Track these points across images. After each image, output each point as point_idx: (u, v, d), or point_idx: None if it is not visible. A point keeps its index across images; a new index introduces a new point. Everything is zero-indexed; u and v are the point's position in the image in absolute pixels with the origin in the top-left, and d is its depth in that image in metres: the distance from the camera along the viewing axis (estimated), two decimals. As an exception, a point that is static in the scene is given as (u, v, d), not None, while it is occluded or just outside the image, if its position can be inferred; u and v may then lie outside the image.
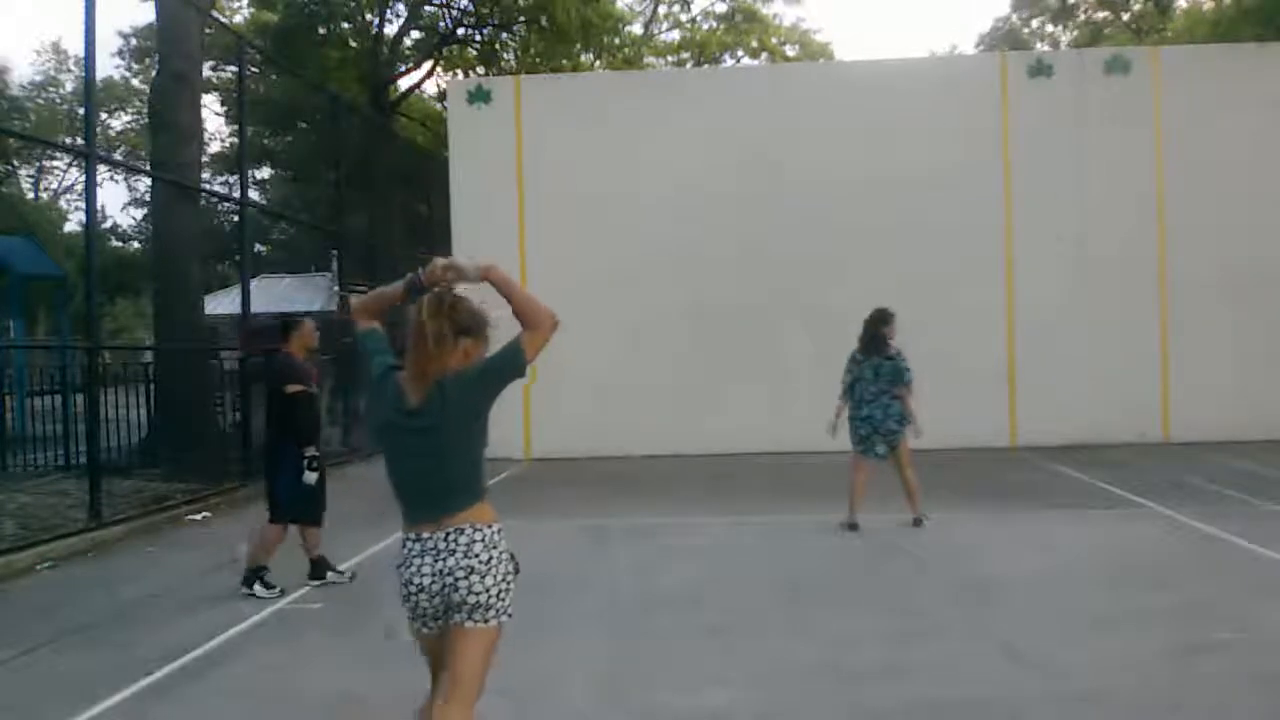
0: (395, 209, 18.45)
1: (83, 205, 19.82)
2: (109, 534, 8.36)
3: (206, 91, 20.58)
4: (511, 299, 2.95)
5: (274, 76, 22.34)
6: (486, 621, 2.91)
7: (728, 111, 13.51)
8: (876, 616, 5.64)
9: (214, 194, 24.06)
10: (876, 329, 7.98)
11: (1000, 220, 13.20)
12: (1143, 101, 13.13)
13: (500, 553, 2.95)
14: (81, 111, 27.17)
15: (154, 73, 16.31)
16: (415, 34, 24.45)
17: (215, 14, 16.75)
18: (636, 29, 28.42)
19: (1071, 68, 13.50)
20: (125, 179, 36.60)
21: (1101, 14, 30.14)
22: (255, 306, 12.42)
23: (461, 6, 23.46)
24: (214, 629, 5.61)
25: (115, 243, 35.42)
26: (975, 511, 8.80)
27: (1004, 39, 32.31)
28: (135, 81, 31.56)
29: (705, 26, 30.67)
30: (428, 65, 24.59)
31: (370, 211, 17.03)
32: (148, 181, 24.41)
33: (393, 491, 3.04)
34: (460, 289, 3.06)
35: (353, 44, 23.53)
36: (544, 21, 21.32)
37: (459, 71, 25.17)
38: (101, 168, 24.44)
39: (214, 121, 30.32)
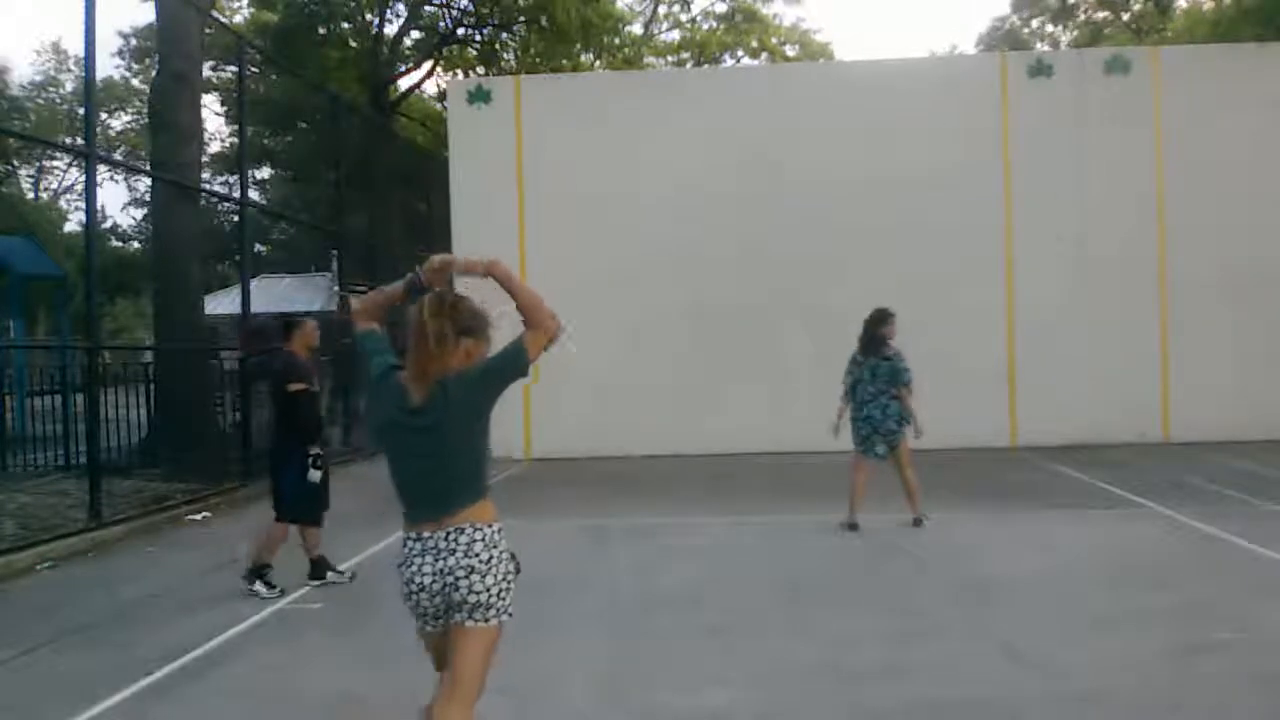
0: (395, 209, 18.46)
1: (83, 205, 19.85)
2: (109, 534, 8.36)
3: (206, 91, 20.58)
4: (516, 297, 2.96)
5: (274, 76, 22.35)
6: (487, 621, 2.92)
7: (728, 111, 13.51)
8: (876, 616, 5.64)
9: (214, 194, 24.06)
10: (875, 329, 7.98)
11: (1000, 220, 13.20)
12: (1143, 101, 13.13)
13: (501, 552, 2.96)
14: (81, 111, 27.19)
15: (154, 73, 16.31)
16: (415, 34, 24.46)
17: (215, 14, 16.75)
18: (636, 29, 28.43)
19: (1071, 68, 13.50)
20: (125, 179, 36.66)
21: (1101, 14, 30.14)
22: (255, 306, 12.43)
23: (461, 6, 23.47)
24: (214, 629, 5.61)
25: (115, 243, 35.44)
26: (975, 511, 8.80)
27: (1004, 39, 32.32)
28: (135, 81, 31.57)
29: (705, 26, 30.69)
30: (428, 65, 24.60)
31: (370, 211, 17.04)
32: (148, 181, 24.42)
33: (395, 491, 3.04)
34: (462, 287, 3.07)
35: (353, 44, 23.53)
36: (544, 21, 21.32)
37: (459, 71, 25.18)
38: (101, 168, 24.46)
39: (214, 121, 30.37)
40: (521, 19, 22.44)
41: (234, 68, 16.30)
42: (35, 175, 36.91)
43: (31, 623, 5.95)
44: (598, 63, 24.89)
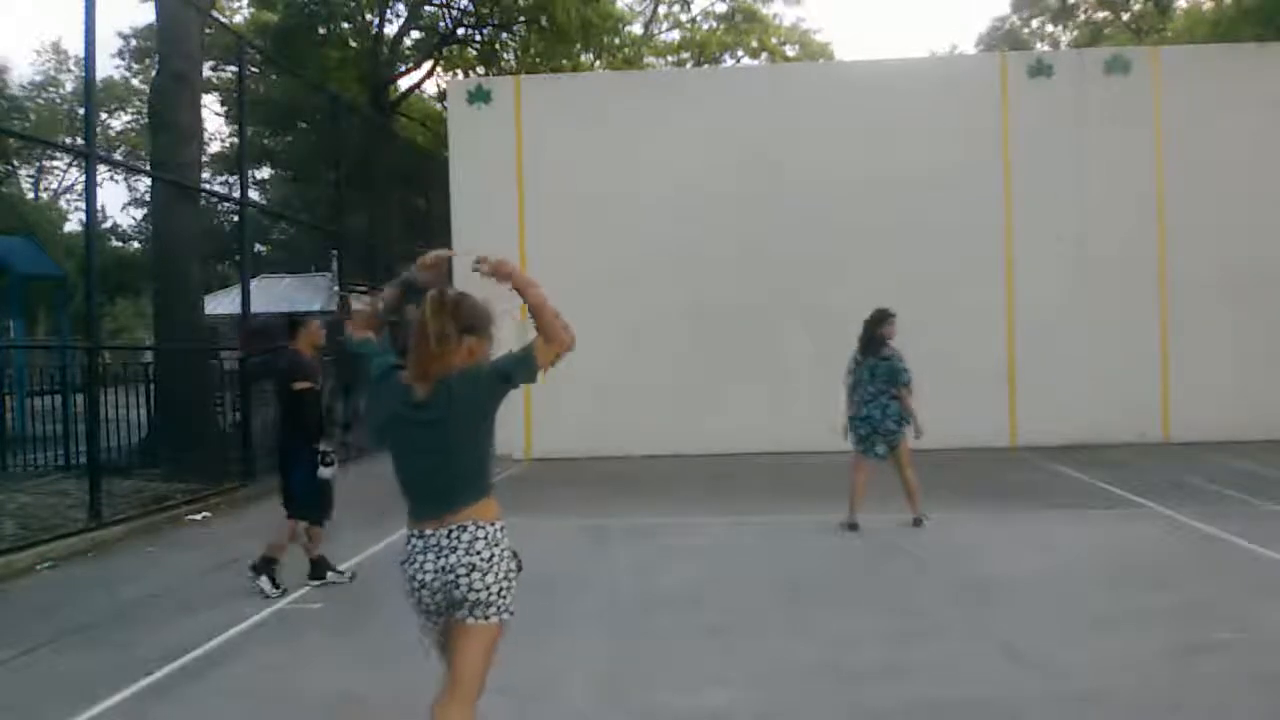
0: (395, 209, 18.46)
1: (83, 205, 19.82)
2: (109, 534, 8.36)
3: (206, 91, 20.59)
4: (536, 313, 2.96)
5: (274, 76, 22.36)
6: (487, 619, 2.93)
7: (728, 111, 13.51)
8: (876, 616, 5.64)
9: (214, 194, 24.06)
10: (875, 329, 7.98)
11: (1000, 220, 13.20)
12: (1143, 101, 13.12)
13: (502, 550, 2.96)
14: (81, 111, 27.20)
15: (154, 73, 16.30)
16: (415, 34, 24.48)
17: (215, 14, 16.75)
18: (636, 29, 28.45)
19: (1071, 68, 13.50)
20: (125, 179, 36.67)
21: (1101, 14, 30.15)
22: (255, 306, 12.43)
23: (461, 6, 23.48)
24: (214, 629, 5.61)
25: (115, 243, 35.44)
26: (975, 511, 8.80)
27: (1004, 39, 32.33)
28: (135, 81, 31.57)
29: (705, 26, 30.70)
30: (428, 65, 24.61)
31: (370, 211, 17.05)
32: (148, 181, 24.41)
33: (399, 487, 3.05)
34: (461, 286, 3.07)
35: (353, 44, 23.54)
36: (544, 21, 21.33)
37: (459, 71, 25.18)
38: (101, 168, 24.46)
39: (214, 121, 30.37)
40: (521, 19, 22.45)
41: (234, 68, 16.30)
42: (35, 175, 36.92)
43: (31, 623, 5.95)
44: (598, 63, 24.89)
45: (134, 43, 28.90)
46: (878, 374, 7.90)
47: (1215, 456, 11.34)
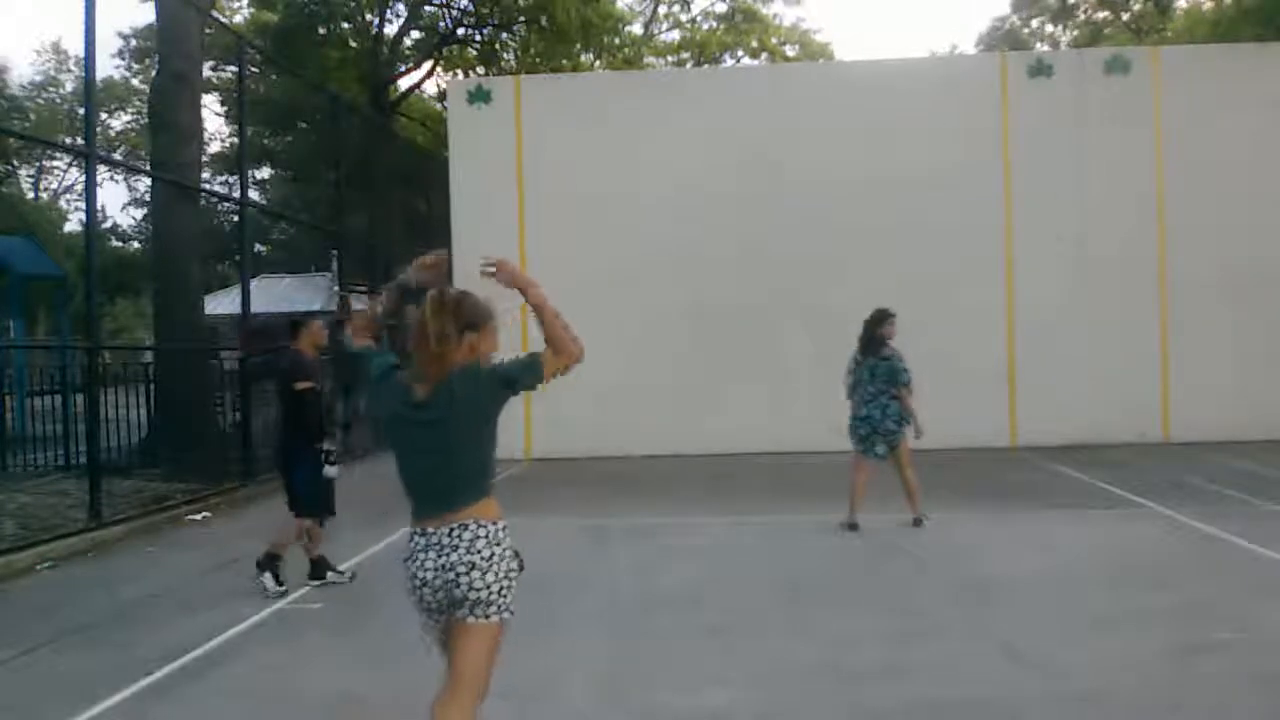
0: (395, 209, 18.46)
1: (83, 205, 19.80)
2: (109, 534, 8.36)
3: (206, 91, 20.59)
4: (545, 326, 2.98)
5: (274, 76, 22.36)
6: (488, 617, 2.94)
7: (728, 111, 13.50)
8: (876, 616, 5.64)
9: (214, 194, 24.07)
10: (874, 329, 7.98)
11: (1000, 220, 13.19)
12: (1143, 101, 13.12)
13: (503, 550, 2.97)
14: (81, 111, 27.20)
15: (154, 73, 16.31)
16: (415, 34, 24.47)
17: (215, 14, 16.75)
18: (636, 29, 28.45)
19: (1071, 68, 13.50)
20: (125, 179, 36.66)
21: (1101, 14, 30.15)
22: (255, 306, 12.43)
23: (461, 6, 23.48)
24: (214, 629, 5.61)
25: (115, 243, 35.45)
26: (975, 511, 8.80)
27: (1004, 39, 32.33)
28: (135, 81, 31.58)
29: (705, 26, 30.70)
30: (428, 65, 24.60)
31: (370, 211, 17.04)
32: (148, 181, 24.42)
33: (402, 486, 3.07)
34: (462, 284, 3.09)
35: (353, 44, 23.54)
36: (544, 21, 21.33)
37: (459, 71, 25.18)
38: (101, 168, 24.47)
39: (214, 121, 30.38)
40: (521, 19, 22.45)
41: (234, 68, 16.30)
42: (35, 175, 36.93)
43: (31, 623, 5.95)
44: (598, 63, 24.89)
45: (134, 43, 28.91)
46: (877, 374, 7.89)
47: (1215, 456, 11.34)
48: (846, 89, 13.71)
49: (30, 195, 35.40)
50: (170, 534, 8.82)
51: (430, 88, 26.20)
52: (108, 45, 34.55)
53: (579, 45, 22.72)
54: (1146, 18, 28.20)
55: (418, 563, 2.97)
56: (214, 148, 28.08)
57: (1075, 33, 31.07)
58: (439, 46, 24.06)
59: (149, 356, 12.72)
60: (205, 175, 21.18)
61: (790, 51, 30.73)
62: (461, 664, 2.95)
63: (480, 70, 24.15)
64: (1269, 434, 12.33)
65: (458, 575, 2.91)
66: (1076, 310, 12.94)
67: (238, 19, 25.04)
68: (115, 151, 33.35)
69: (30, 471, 11.51)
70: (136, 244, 35.95)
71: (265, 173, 29.59)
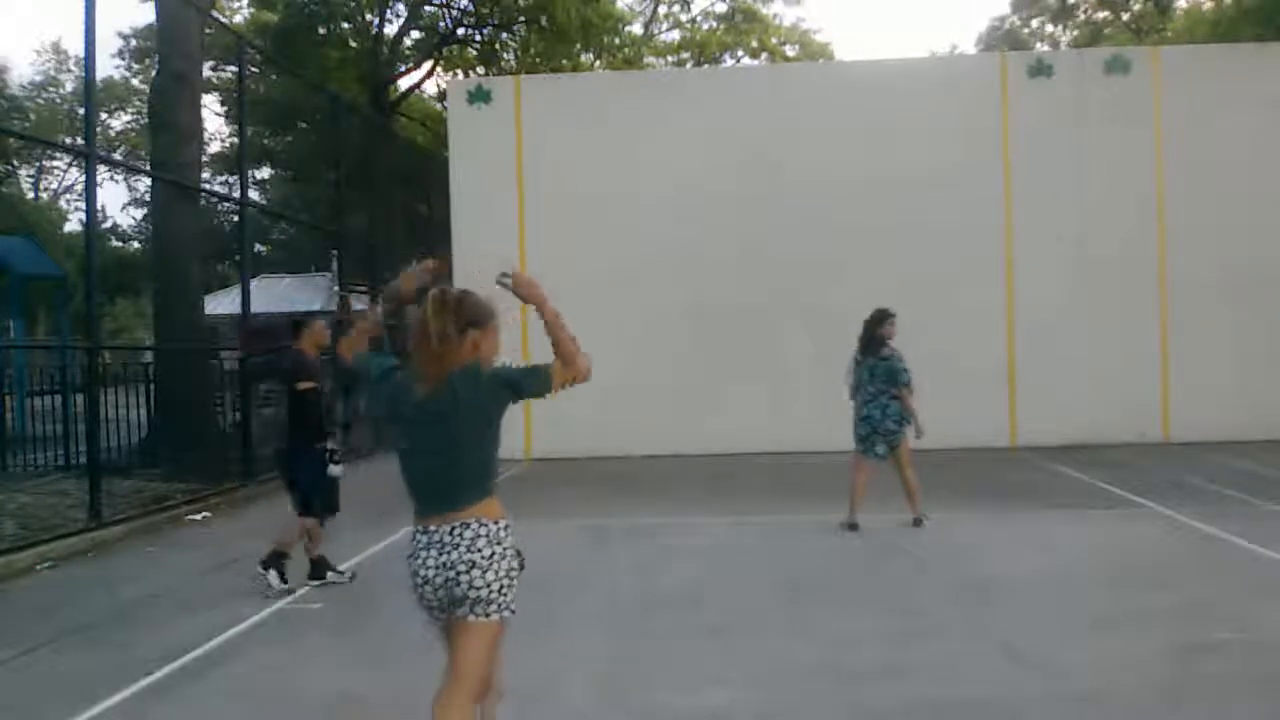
0: (395, 209, 18.46)
1: (83, 205, 19.81)
2: (109, 534, 8.36)
3: (206, 91, 20.59)
4: (556, 341, 3.00)
5: (274, 76, 22.35)
6: (488, 616, 2.95)
7: (728, 111, 13.50)
8: (876, 616, 5.64)
9: (214, 194, 24.07)
10: (874, 329, 7.98)
11: (1000, 220, 13.19)
12: (1143, 101, 13.12)
13: (504, 549, 2.98)
14: (81, 111, 27.21)
15: (154, 73, 16.31)
16: (415, 34, 24.48)
17: (215, 14, 16.76)
18: (636, 29, 28.45)
19: (1071, 68, 13.50)
20: (125, 179, 36.67)
21: (1101, 14, 30.15)
22: (255, 306, 12.43)
23: (461, 6, 23.48)
24: (214, 629, 5.61)
25: (115, 243, 35.45)
26: (975, 511, 8.80)
27: (1003, 39, 32.34)
28: (135, 81, 31.58)
29: (705, 26, 30.71)
30: (428, 65, 24.61)
31: (370, 211, 17.04)
32: (148, 181, 24.42)
33: (404, 485, 3.08)
34: (462, 283, 3.10)
35: (353, 44, 23.54)
36: (544, 21, 21.33)
37: (459, 71, 25.18)
38: (101, 168, 24.47)
39: (214, 121, 30.37)
40: (521, 19, 22.45)
41: (234, 68, 16.30)
42: (35, 175, 36.94)
43: (31, 623, 5.95)
44: (598, 63, 24.89)
45: (134, 43, 28.92)
46: (877, 374, 7.90)
47: (1215, 456, 11.34)
48: (846, 89, 13.71)
49: (30, 195, 35.41)
50: (170, 534, 8.82)
51: (430, 88, 26.24)
52: (108, 45, 34.59)
53: (579, 45, 22.73)
54: (1146, 18, 28.21)
55: (419, 561, 2.99)
56: (214, 148, 28.12)
57: (1075, 33, 31.08)
58: (439, 46, 24.06)
59: (149, 356, 12.73)
60: (205, 175, 21.18)
61: (790, 51, 30.73)
62: (461, 661, 2.96)
63: (480, 70, 24.15)
64: (1269, 434, 12.33)
65: (458, 573, 2.92)
66: (1076, 310, 12.94)
67: (238, 19, 25.04)
68: (115, 151, 33.36)
69: (30, 471, 11.52)
70: (136, 244, 35.96)
71: (265, 173, 29.63)
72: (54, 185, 38.74)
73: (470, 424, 2.99)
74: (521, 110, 13.73)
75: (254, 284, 14.49)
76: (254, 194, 24.86)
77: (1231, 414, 12.55)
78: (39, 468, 11.64)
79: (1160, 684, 4.46)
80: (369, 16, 23.38)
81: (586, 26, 21.34)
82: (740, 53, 30.08)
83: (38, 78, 35.52)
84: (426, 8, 23.56)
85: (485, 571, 2.92)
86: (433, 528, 2.99)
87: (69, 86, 35.31)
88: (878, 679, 4.61)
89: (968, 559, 7.02)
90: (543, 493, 10.48)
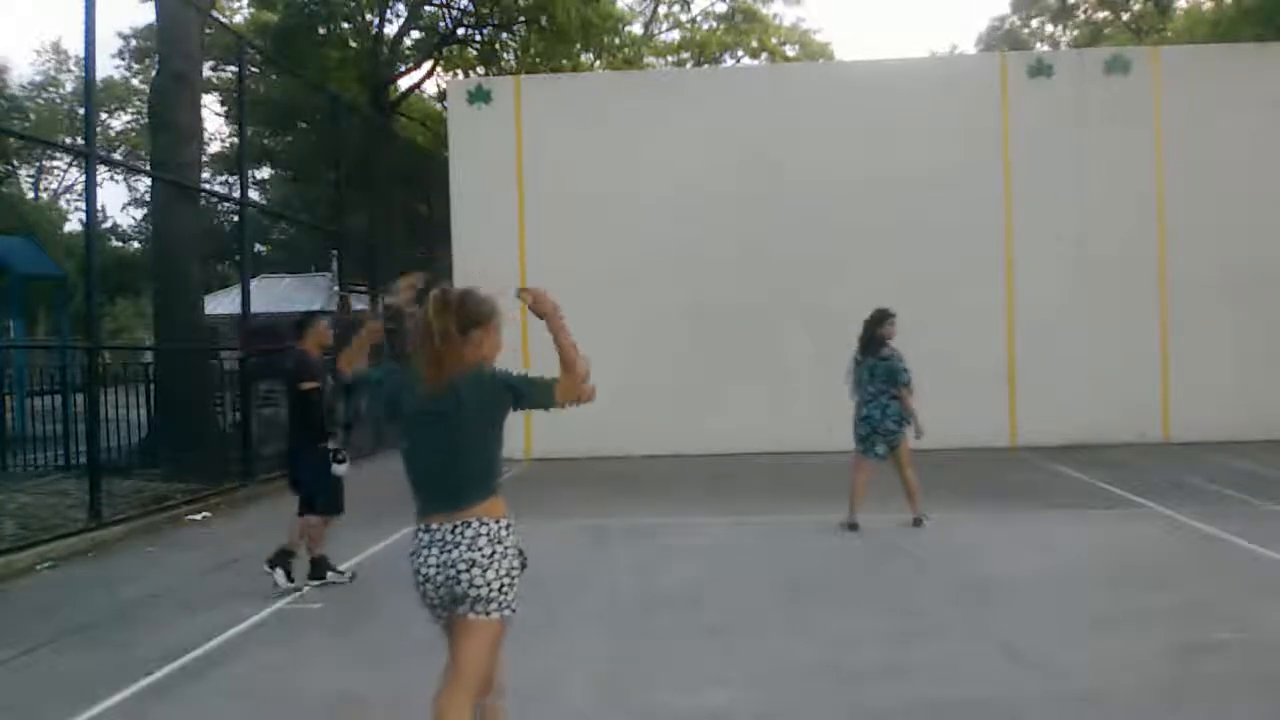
0: (395, 209, 18.46)
1: (83, 205, 19.84)
2: (109, 534, 8.36)
3: (206, 91, 20.59)
4: (566, 361, 3.00)
5: (274, 76, 22.35)
6: (488, 614, 2.96)
7: (728, 111, 13.50)
8: (876, 616, 5.64)
9: (214, 194, 24.07)
10: (874, 329, 7.98)
11: (1000, 220, 13.19)
12: (1143, 101, 13.12)
13: (506, 548, 2.99)
14: (81, 111, 27.20)
15: (154, 73, 16.31)
16: (415, 34, 24.49)
17: (215, 14, 16.75)
18: (636, 29, 28.46)
19: (1071, 68, 13.49)
20: (125, 179, 36.66)
21: (1101, 14, 30.16)
22: (255, 306, 12.42)
23: (461, 6, 23.49)
24: (214, 629, 5.61)
25: (115, 243, 35.46)
26: (975, 511, 8.79)
27: (1003, 39, 32.34)
28: (135, 81, 31.59)
29: (705, 26, 30.72)
30: (428, 65, 24.62)
31: (370, 211, 17.04)
32: (148, 181, 24.42)
33: (409, 483, 3.09)
34: (463, 282, 3.12)
35: (353, 44, 23.55)
36: (544, 21, 21.34)
37: (459, 71, 25.19)
38: (101, 168, 24.47)
39: (214, 121, 30.37)
40: (521, 19, 22.46)
41: (234, 68, 16.30)
42: (35, 175, 36.94)
43: (31, 623, 5.95)
44: (598, 63, 24.90)
45: (134, 43, 28.93)
46: (877, 374, 7.89)
47: (1215, 456, 11.34)
48: (846, 89, 13.71)
49: (30, 195, 35.41)
50: (170, 534, 8.82)
51: (430, 88, 26.25)
52: (108, 45, 34.58)
53: (579, 45, 22.74)
54: (1146, 18, 28.21)
55: (421, 559, 3.01)
56: (214, 148, 28.12)
57: (1075, 33, 31.09)
58: (439, 46, 24.06)
59: (149, 356, 12.72)
60: (205, 175, 21.18)
61: (790, 51, 30.74)
62: (462, 659, 2.98)
63: (480, 70, 24.16)
64: (1269, 434, 12.33)
65: (458, 572, 2.94)
66: (1076, 310, 12.93)
67: (238, 19, 25.05)
68: (115, 151, 33.36)
69: (30, 471, 11.51)
70: (136, 244, 35.97)
71: (265, 173, 29.64)
72: (54, 185, 38.79)
73: (474, 424, 3.00)
74: (521, 110, 13.72)
75: (254, 284, 14.49)
76: (254, 194, 24.86)
77: (1231, 414, 12.55)
78: (39, 468, 11.64)
79: (1160, 684, 4.46)
80: (369, 16, 23.39)
81: (586, 26, 21.35)
82: (740, 53, 30.09)
83: (38, 78, 35.58)
84: (426, 8, 23.56)
85: (486, 570, 2.94)
86: (435, 526, 3.00)
87: (69, 86, 35.34)
88: (878, 679, 4.61)
89: (968, 559, 7.02)
90: (543, 493, 10.48)
